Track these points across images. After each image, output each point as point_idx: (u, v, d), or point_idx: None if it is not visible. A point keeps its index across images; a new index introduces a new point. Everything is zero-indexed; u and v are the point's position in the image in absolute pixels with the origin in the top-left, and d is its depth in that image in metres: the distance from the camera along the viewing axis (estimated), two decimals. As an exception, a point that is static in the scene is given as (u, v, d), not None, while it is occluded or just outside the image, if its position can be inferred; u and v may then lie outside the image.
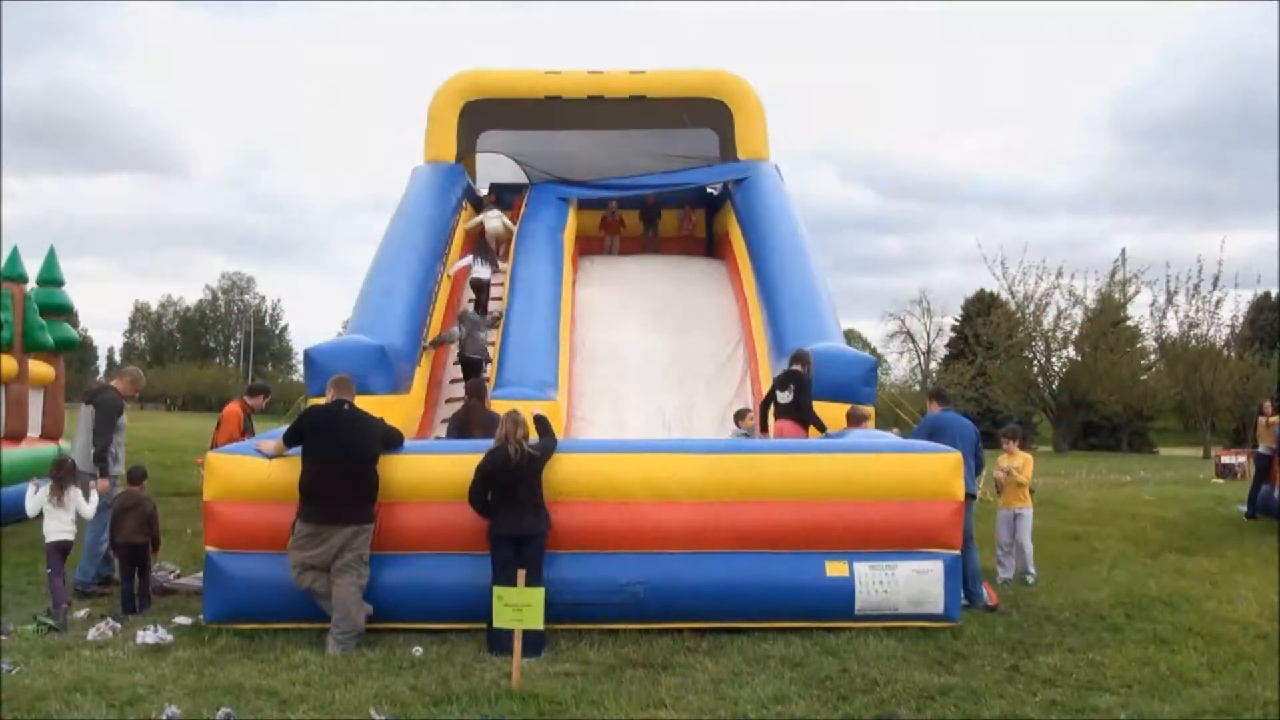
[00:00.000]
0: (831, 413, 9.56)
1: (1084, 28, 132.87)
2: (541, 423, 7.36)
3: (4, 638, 6.85)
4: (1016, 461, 9.38)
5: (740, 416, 10.60)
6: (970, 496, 8.35)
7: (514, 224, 14.65)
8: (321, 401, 7.83)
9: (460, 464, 7.12)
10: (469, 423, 8.84)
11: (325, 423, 7.08)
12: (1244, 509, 13.93)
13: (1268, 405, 15.32)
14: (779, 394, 9.56)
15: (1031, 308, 41.48)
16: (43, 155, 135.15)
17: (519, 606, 5.99)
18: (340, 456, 6.91)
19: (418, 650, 6.61)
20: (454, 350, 12.62)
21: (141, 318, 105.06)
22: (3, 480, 11.79)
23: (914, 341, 57.79)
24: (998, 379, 40.73)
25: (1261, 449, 14.04)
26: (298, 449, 7.09)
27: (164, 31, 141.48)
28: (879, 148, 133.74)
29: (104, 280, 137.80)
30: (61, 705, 5.42)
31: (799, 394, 9.38)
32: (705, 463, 7.51)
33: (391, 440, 7.33)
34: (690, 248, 16.85)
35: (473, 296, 13.60)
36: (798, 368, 9.57)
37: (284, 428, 7.53)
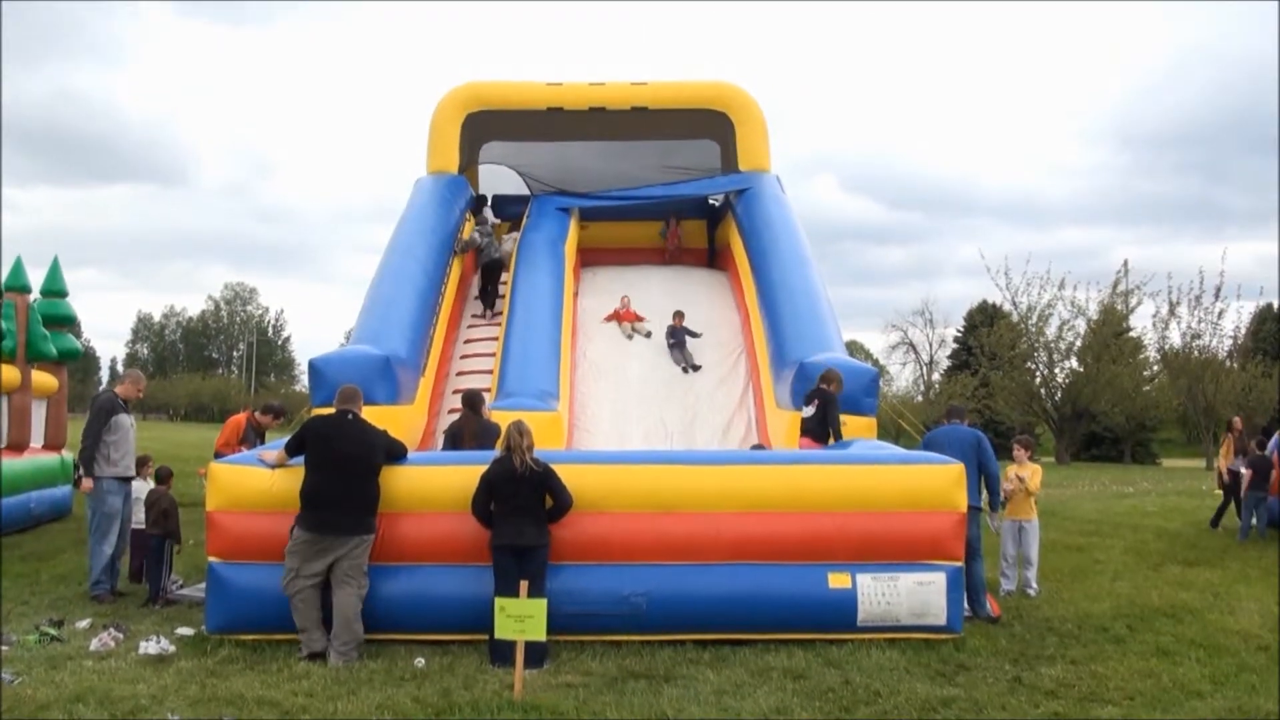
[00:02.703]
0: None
1: (1087, 35, 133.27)
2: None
3: (6, 648, 6.84)
4: (1026, 471, 9.36)
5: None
6: (974, 508, 8.33)
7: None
8: (326, 411, 7.84)
9: (462, 475, 7.13)
10: (462, 433, 8.84)
11: (328, 433, 7.08)
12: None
13: (1237, 421, 15.36)
14: (803, 409, 9.39)
15: (1034, 319, 41.48)
16: (45, 165, 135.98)
17: (521, 617, 5.99)
18: (342, 467, 6.92)
19: (420, 661, 6.60)
20: (453, 356, 12.68)
21: (144, 328, 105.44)
22: (3, 491, 11.82)
23: (916, 352, 57.77)
24: (1000, 390, 40.71)
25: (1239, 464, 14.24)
26: (300, 459, 7.11)
27: (166, 41, 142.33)
28: (881, 157, 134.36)
29: (107, 291, 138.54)
30: (64, 716, 5.43)
31: (824, 410, 9.22)
32: (707, 474, 7.51)
33: (394, 451, 7.34)
34: (688, 259, 16.80)
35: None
36: (824, 385, 9.35)
37: (287, 438, 7.54)
